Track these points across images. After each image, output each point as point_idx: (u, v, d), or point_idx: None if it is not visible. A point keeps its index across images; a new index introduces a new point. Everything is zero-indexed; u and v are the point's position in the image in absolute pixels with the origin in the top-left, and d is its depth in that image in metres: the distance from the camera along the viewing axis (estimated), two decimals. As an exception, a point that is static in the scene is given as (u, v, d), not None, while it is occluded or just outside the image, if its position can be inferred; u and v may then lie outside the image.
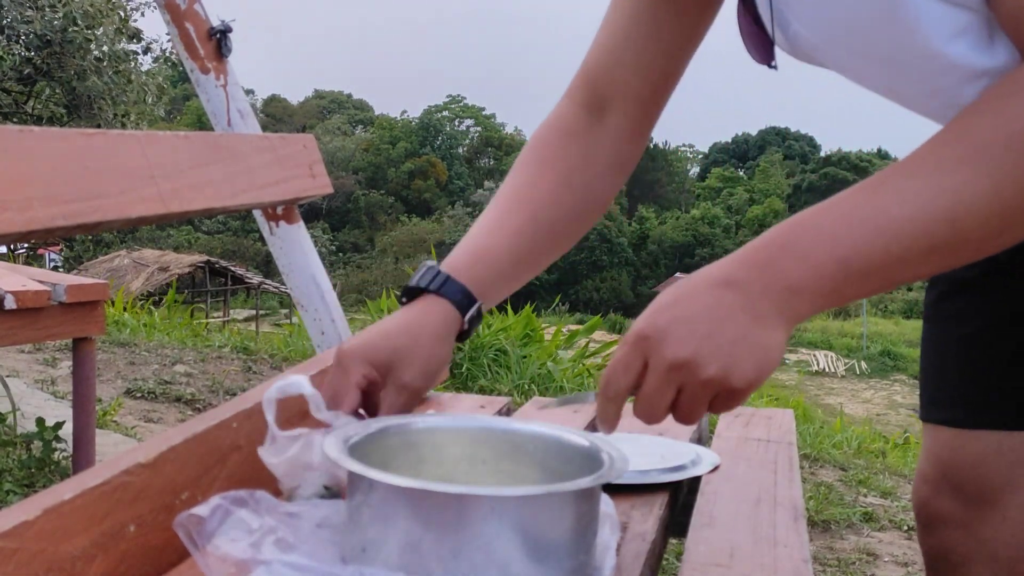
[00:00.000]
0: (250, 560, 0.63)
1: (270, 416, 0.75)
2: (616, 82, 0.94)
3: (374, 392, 0.83)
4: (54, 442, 2.68)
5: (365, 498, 0.65)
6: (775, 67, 0.87)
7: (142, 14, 18.04)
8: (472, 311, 0.87)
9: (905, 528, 3.01)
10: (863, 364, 31.25)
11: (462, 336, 0.88)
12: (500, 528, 0.61)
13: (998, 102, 0.65)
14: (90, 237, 19.63)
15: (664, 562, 1.72)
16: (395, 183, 61.74)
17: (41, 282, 2.22)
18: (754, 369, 0.66)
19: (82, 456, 2.28)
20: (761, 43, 0.85)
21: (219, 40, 1.94)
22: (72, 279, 2.34)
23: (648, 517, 0.88)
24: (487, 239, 0.92)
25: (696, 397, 0.67)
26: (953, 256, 0.67)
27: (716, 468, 1.06)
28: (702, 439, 1.31)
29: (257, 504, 0.70)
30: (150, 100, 17.70)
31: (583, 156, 0.95)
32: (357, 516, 0.66)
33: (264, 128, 2.15)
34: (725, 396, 0.67)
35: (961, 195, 0.64)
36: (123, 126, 16.63)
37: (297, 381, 0.77)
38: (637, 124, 0.96)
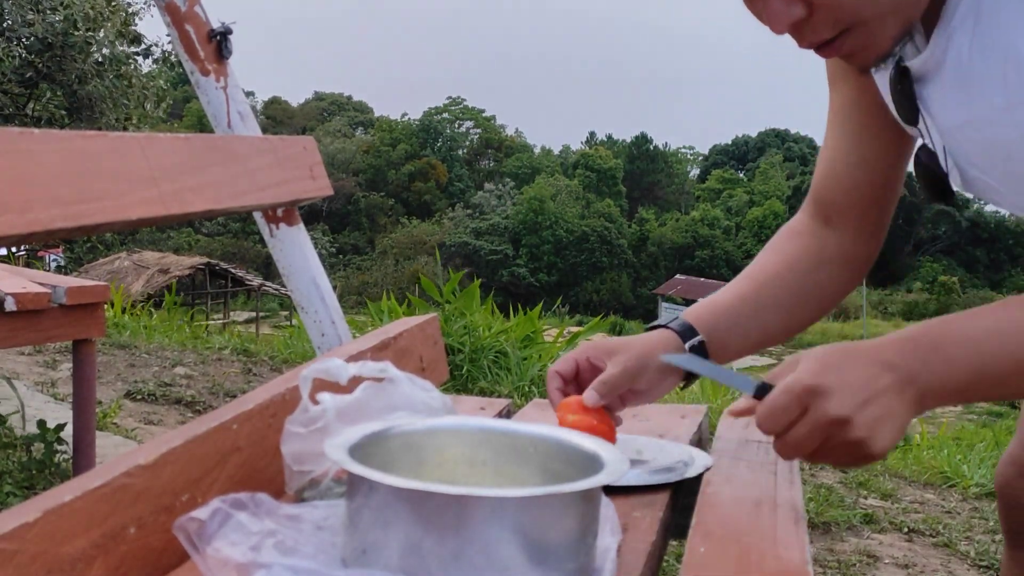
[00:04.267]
0: (250, 563, 0.63)
1: (305, 391, 0.78)
2: (836, 203, 1.12)
3: (590, 373, 1.02)
4: (55, 444, 2.68)
5: (366, 500, 0.65)
6: (952, 204, 1.00)
7: (141, 18, 18.05)
8: (693, 341, 1.04)
9: (906, 530, 3.00)
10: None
11: (692, 372, 1.03)
12: (501, 530, 0.61)
13: None
14: (90, 239, 19.62)
15: (664, 564, 1.72)
16: (395, 185, 61.75)
17: (41, 284, 2.22)
18: (890, 441, 0.79)
19: (82, 458, 2.28)
20: (937, 181, 0.98)
21: (219, 42, 1.94)
22: (72, 281, 2.34)
23: (648, 519, 0.88)
24: (718, 296, 1.12)
25: (836, 451, 0.79)
26: None
27: (708, 468, 1.06)
28: (702, 440, 1.31)
29: (257, 507, 0.70)
30: (149, 107, 17.71)
31: (808, 249, 1.13)
32: (357, 518, 0.66)
33: (264, 130, 2.15)
34: (858, 457, 0.79)
35: None
36: (125, 129, 16.64)
37: (336, 367, 0.79)
38: (860, 230, 1.12)
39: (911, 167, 1.05)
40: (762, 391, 0.82)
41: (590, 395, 0.99)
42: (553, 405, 1.02)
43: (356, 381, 0.83)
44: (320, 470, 0.78)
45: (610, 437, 0.99)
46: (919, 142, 0.97)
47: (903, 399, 0.78)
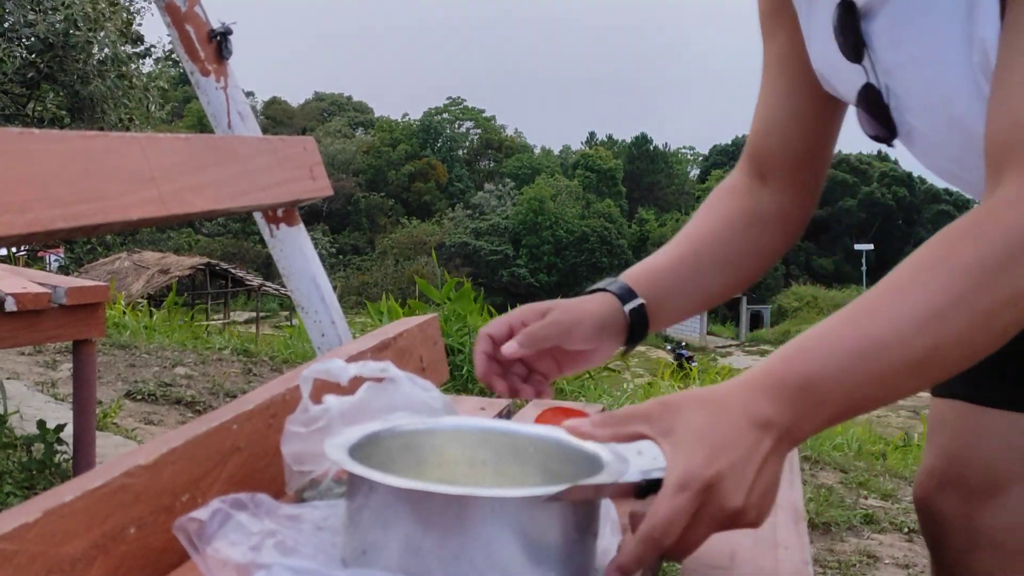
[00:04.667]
0: (250, 564, 0.63)
1: (306, 391, 0.78)
2: (770, 157, 1.09)
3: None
4: (55, 444, 2.68)
5: (366, 500, 0.65)
6: (893, 145, 0.98)
7: (140, 19, 18.05)
8: (633, 304, 1.00)
9: (906, 530, 3.00)
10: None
11: (633, 334, 1.00)
12: (501, 530, 0.61)
13: (977, 229, 0.71)
14: (90, 239, 19.63)
15: (665, 564, 1.72)
16: (395, 185, 61.77)
17: (41, 284, 2.22)
18: (771, 506, 0.71)
19: (82, 458, 2.28)
20: (881, 123, 0.94)
21: (219, 42, 1.94)
22: (72, 281, 2.34)
23: (648, 519, 0.88)
24: (656, 258, 1.07)
25: (720, 530, 0.70)
26: (931, 378, 0.73)
27: None
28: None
29: (257, 507, 0.70)
30: (153, 108, 17.72)
31: (744, 207, 1.09)
32: (357, 518, 0.66)
33: (264, 130, 2.15)
34: (738, 528, 0.70)
35: (943, 322, 0.69)
36: (127, 129, 16.64)
37: (337, 367, 0.79)
38: (795, 188, 1.09)
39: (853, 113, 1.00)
40: (644, 491, 0.71)
41: (510, 346, 0.93)
42: (477, 369, 0.96)
43: (357, 381, 0.83)
44: (320, 470, 0.78)
45: None
46: (863, 81, 0.93)
47: (780, 456, 0.71)
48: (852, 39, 0.89)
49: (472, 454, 0.80)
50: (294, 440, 0.77)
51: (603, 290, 1.01)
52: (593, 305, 0.98)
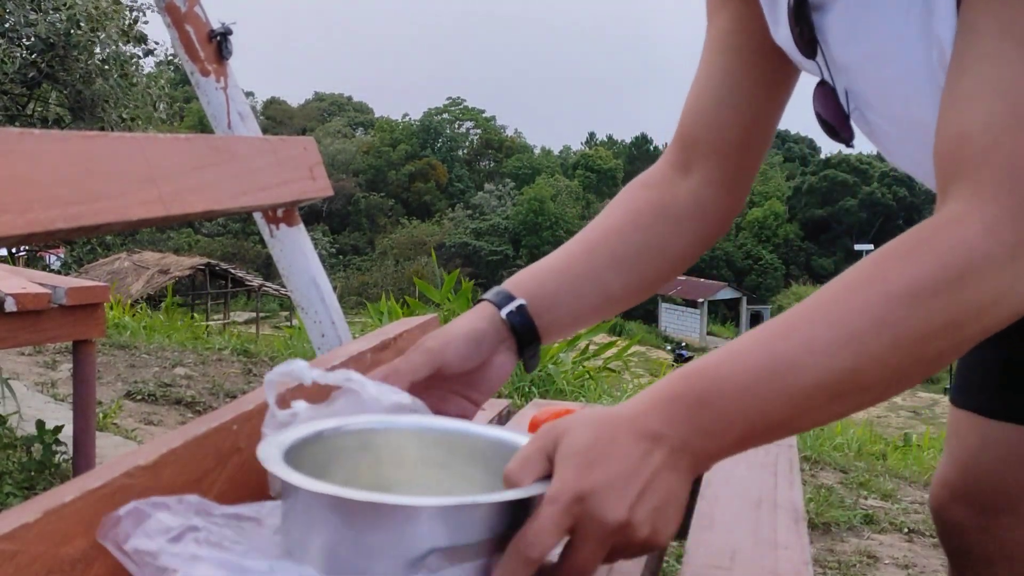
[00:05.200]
0: (160, 552, 0.61)
1: (271, 397, 0.75)
2: (699, 142, 0.99)
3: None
4: (54, 445, 2.68)
5: (292, 502, 0.64)
6: (852, 145, 0.92)
7: (145, 18, 18.05)
8: (511, 307, 0.92)
9: (906, 531, 3.00)
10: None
11: (523, 341, 0.92)
12: (414, 538, 0.60)
13: (912, 249, 0.66)
14: (90, 240, 19.64)
15: (664, 564, 1.72)
16: (395, 185, 61.77)
17: (41, 284, 2.22)
18: (675, 525, 0.67)
19: (82, 459, 2.28)
20: (839, 122, 0.89)
21: (219, 43, 1.94)
22: (72, 281, 2.34)
23: (648, 519, 0.88)
24: (543, 261, 0.99)
25: (623, 554, 0.66)
26: (852, 404, 0.67)
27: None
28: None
29: (184, 507, 0.66)
30: (161, 107, 17.73)
31: (652, 200, 1.00)
32: (286, 519, 0.66)
33: (264, 131, 2.15)
34: (646, 551, 0.67)
35: (865, 345, 0.64)
36: (127, 129, 16.66)
37: (299, 368, 0.76)
38: (720, 181, 0.99)
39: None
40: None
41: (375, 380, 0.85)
42: None
43: (322, 389, 0.80)
44: None
45: None
46: (818, 78, 0.88)
47: (678, 472, 0.66)
48: (807, 34, 0.84)
49: (430, 455, 0.78)
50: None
51: (481, 300, 0.94)
52: (465, 320, 0.92)
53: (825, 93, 0.88)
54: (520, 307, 0.92)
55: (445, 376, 0.88)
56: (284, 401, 0.77)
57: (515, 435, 0.76)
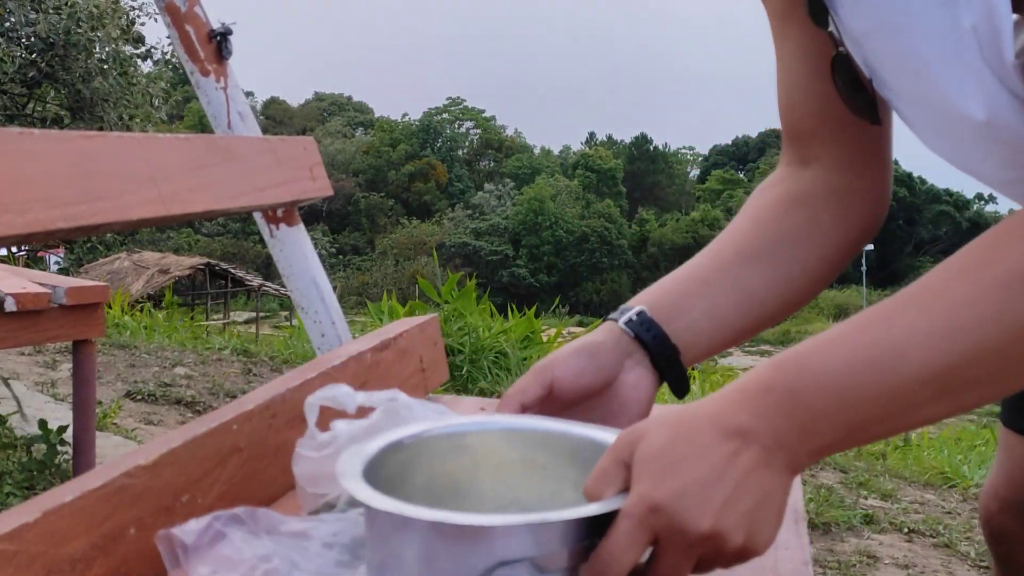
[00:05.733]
0: None
1: (312, 419, 0.73)
2: (806, 131, 0.90)
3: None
4: (56, 445, 2.68)
5: (370, 522, 0.61)
6: (879, 122, 0.84)
7: (142, 20, 18.06)
8: (628, 314, 0.83)
9: (906, 531, 3.00)
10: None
11: (657, 356, 0.83)
12: (487, 556, 0.56)
13: (1021, 232, 0.59)
14: (90, 239, 19.65)
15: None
16: (395, 185, 61.77)
17: (41, 284, 2.22)
18: (774, 529, 0.61)
19: (82, 458, 2.28)
20: (855, 92, 0.81)
21: (219, 43, 1.94)
22: (72, 281, 2.34)
23: (648, 519, 0.88)
24: (673, 273, 0.89)
25: (716, 564, 0.61)
26: (965, 400, 0.61)
27: None
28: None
29: (256, 524, 0.65)
30: (157, 103, 17.73)
31: (781, 193, 0.91)
32: (368, 537, 0.62)
33: (264, 130, 2.15)
34: (745, 559, 0.61)
35: (972, 336, 0.58)
36: (128, 129, 16.66)
37: (342, 394, 0.74)
38: (847, 163, 0.89)
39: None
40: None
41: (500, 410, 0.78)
42: None
43: (364, 411, 0.77)
44: (336, 492, 0.74)
45: None
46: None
47: (773, 471, 0.60)
48: (815, 2, 0.76)
49: (530, 456, 0.73)
50: (305, 463, 0.74)
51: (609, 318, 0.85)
52: (578, 340, 0.82)
53: (841, 66, 0.80)
54: (639, 313, 0.82)
55: (564, 399, 0.79)
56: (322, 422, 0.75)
57: (612, 434, 0.70)
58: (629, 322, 0.82)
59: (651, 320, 0.82)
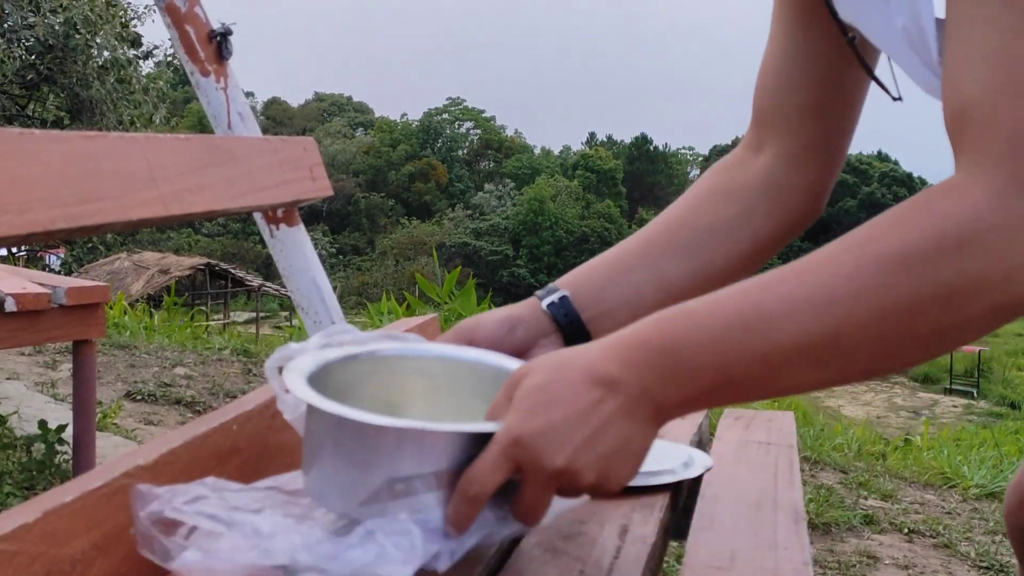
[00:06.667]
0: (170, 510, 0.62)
1: (275, 384, 0.75)
2: (767, 115, 0.94)
3: None
4: (56, 445, 2.68)
5: (310, 419, 0.68)
6: (900, 98, 0.86)
7: (141, 21, 18.05)
8: (551, 297, 0.88)
9: (906, 531, 3.00)
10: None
11: (570, 336, 0.87)
12: (416, 462, 0.63)
13: (906, 216, 0.61)
14: (90, 240, 19.64)
15: (664, 564, 1.72)
16: (395, 185, 61.78)
17: (41, 284, 2.22)
18: (629, 472, 0.66)
19: (82, 458, 2.28)
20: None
21: (219, 43, 1.94)
22: (72, 282, 2.34)
23: (648, 520, 0.88)
24: (599, 256, 0.94)
25: (576, 492, 0.66)
26: (836, 371, 0.63)
27: (708, 470, 1.06)
28: (702, 441, 1.31)
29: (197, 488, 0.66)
30: (156, 109, 17.73)
31: (723, 184, 0.95)
32: (305, 433, 0.69)
33: (264, 131, 2.15)
34: (599, 494, 0.67)
35: (846, 309, 0.60)
36: (126, 131, 16.66)
37: (292, 350, 0.76)
38: (794, 155, 0.93)
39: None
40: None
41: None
42: None
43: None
44: None
45: None
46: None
47: (635, 420, 0.64)
48: None
49: (462, 384, 0.78)
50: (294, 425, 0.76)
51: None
52: (504, 307, 0.88)
53: (852, 45, 0.83)
54: (562, 298, 0.88)
55: None
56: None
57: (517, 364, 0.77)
58: (551, 304, 0.87)
59: (571, 306, 0.87)
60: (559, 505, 0.68)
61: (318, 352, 0.75)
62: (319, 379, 0.70)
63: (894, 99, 0.85)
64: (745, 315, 0.63)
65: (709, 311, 0.64)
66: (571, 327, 0.87)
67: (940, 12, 0.66)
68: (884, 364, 0.63)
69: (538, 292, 0.90)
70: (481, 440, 0.64)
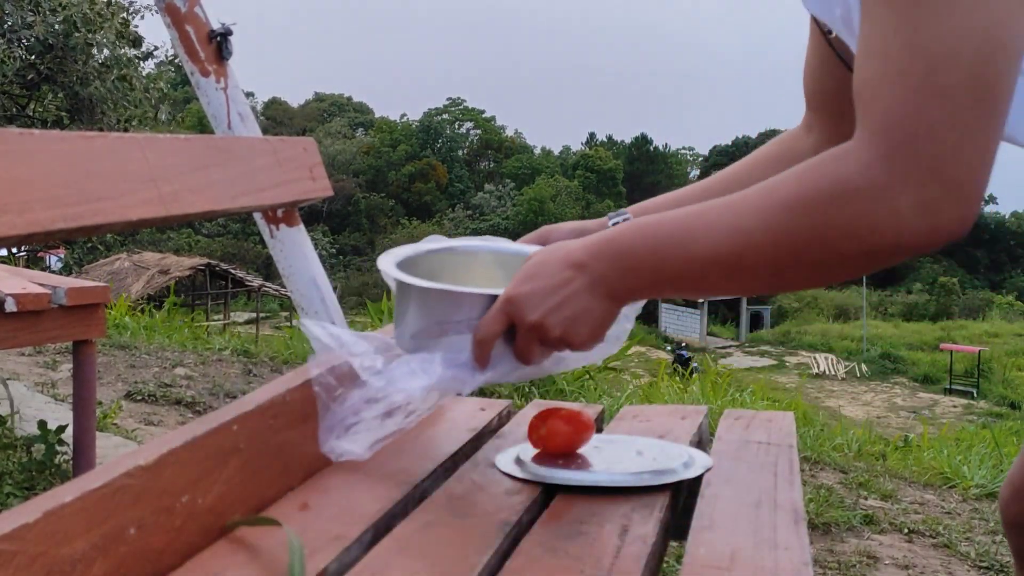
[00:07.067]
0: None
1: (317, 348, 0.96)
2: (811, 100, 1.13)
3: None
4: (56, 445, 2.68)
5: (401, 294, 0.96)
6: None
7: (142, 17, 18.04)
8: (617, 217, 1.11)
9: (906, 531, 3.00)
10: (863, 367, 31.23)
11: None
12: (449, 312, 0.91)
13: (804, 171, 0.77)
14: (90, 240, 19.64)
15: (664, 565, 1.72)
16: (395, 186, 61.76)
17: (41, 285, 2.22)
18: (589, 334, 0.86)
19: (82, 459, 2.28)
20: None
21: (219, 43, 1.94)
22: (72, 282, 2.34)
23: (648, 520, 0.88)
24: (664, 195, 1.16)
25: (550, 346, 0.87)
26: (740, 284, 0.82)
27: (708, 470, 1.06)
28: (702, 441, 1.31)
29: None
30: (155, 106, 17.70)
31: (778, 152, 1.14)
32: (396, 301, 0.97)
33: (264, 131, 2.15)
34: (570, 347, 0.87)
35: (749, 237, 0.78)
36: (126, 130, 16.64)
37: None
38: (839, 137, 1.05)
39: None
40: None
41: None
42: None
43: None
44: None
45: (580, 437, 1.02)
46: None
47: (595, 296, 0.84)
48: None
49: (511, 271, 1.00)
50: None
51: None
52: (577, 221, 1.13)
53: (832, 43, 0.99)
54: (625, 217, 1.10)
55: None
56: (330, 393, 0.95)
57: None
58: (616, 223, 1.09)
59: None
60: (555, 360, 0.92)
61: (415, 247, 1.05)
62: (410, 264, 1.00)
63: None
64: (678, 231, 0.82)
65: (659, 224, 0.84)
66: None
67: None
68: (777, 283, 0.81)
69: (609, 213, 1.13)
70: (493, 300, 0.89)
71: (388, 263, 0.98)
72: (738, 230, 0.78)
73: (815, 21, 1.05)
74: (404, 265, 0.98)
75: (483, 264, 1.08)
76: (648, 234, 0.83)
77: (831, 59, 1.05)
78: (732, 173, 1.14)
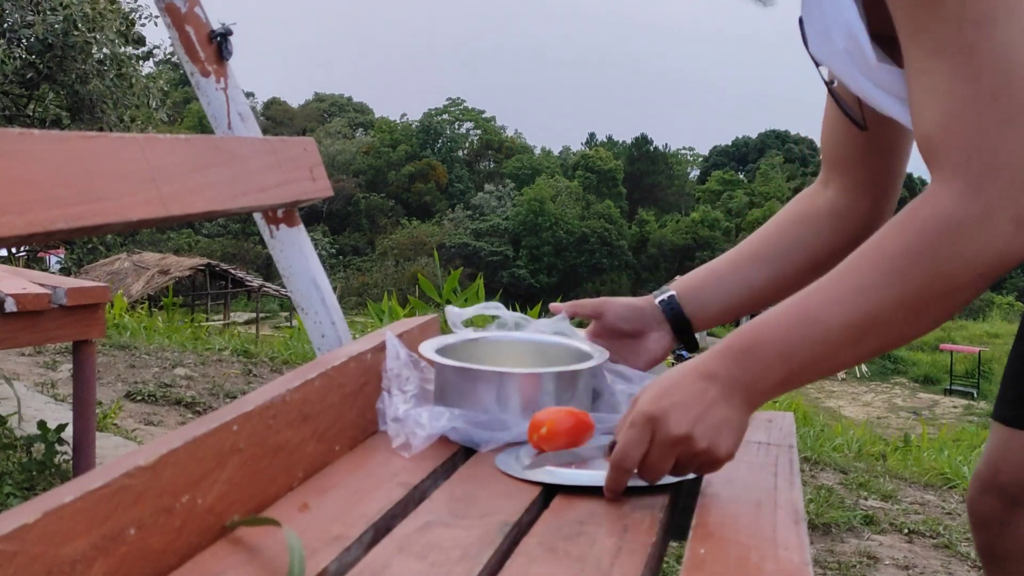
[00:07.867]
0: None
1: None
2: (828, 159, 1.21)
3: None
4: (55, 445, 2.68)
5: (440, 375, 1.10)
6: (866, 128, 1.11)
7: (143, 24, 18.04)
8: (663, 296, 1.20)
9: (906, 531, 3.00)
10: (863, 367, 31.23)
11: (677, 325, 1.20)
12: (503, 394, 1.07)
13: (902, 222, 0.83)
14: (90, 240, 19.63)
15: (664, 565, 1.71)
16: (395, 186, 61.76)
17: (41, 285, 2.22)
18: (733, 444, 0.88)
19: (82, 459, 2.28)
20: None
21: (219, 43, 1.94)
22: (72, 282, 2.34)
23: (648, 520, 0.88)
24: (702, 267, 1.25)
25: (691, 463, 0.88)
26: (871, 344, 0.84)
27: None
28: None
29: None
30: (154, 104, 17.69)
31: (797, 208, 1.23)
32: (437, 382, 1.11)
33: (264, 131, 2.15)
34: (710, 463, 0.89)
35: (877, 292, 0.82)
36: (126, 129, 16.63)
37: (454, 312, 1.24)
38: (853, 188, 1.19)
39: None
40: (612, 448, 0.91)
41: (555, 306, 1.20)
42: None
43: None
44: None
45: (580, 437, 1.02)
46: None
47: (732, 404, 0.86)
48: (801, 31, 1.00)
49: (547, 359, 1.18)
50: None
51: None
52: (627, 298, 1.20)
53: (833, 94, 1.06)
54: (670, 296, 1.20)
55: (607, 330, 1.18)
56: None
57: (596, 350, 1.15)
58: (661, 300, 1.20)
59: (676, 303, 1.20)
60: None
61: (457, 333, 1.20)
62: (451, 349, 1.15)
63: (862, 128, 1.11)
64: (797, 313, 0.85)
65: (773, 315, 0.87)
66: (675, 318, 1.19)
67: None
68: (909, 333, 0.84)
69: (654, 292, 1.22)
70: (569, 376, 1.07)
71: (428, 349, 1.13)
72: (862, 291, 0.82)
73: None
74: (445, 350, 1.14)
75: (502, 350, 1.18)
76: (770, 324, 0.87)
77: (837, 111, 1.12)
78: (762, 236, 1.23)
